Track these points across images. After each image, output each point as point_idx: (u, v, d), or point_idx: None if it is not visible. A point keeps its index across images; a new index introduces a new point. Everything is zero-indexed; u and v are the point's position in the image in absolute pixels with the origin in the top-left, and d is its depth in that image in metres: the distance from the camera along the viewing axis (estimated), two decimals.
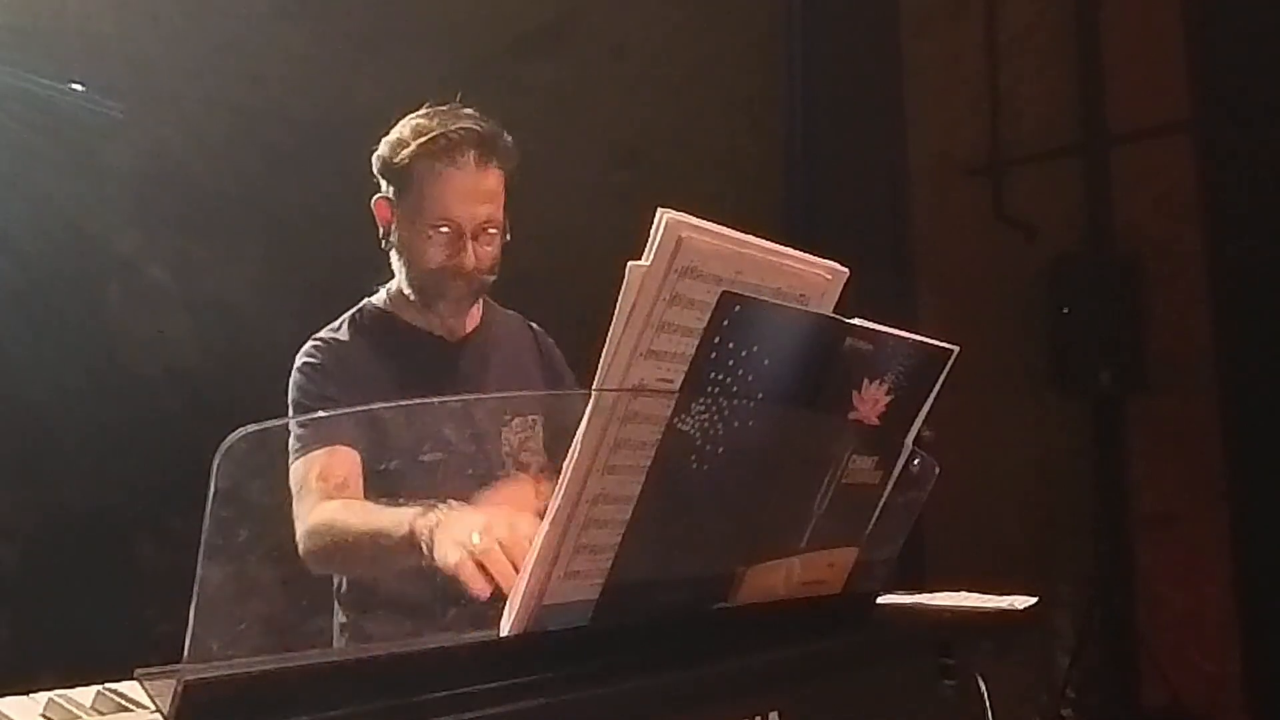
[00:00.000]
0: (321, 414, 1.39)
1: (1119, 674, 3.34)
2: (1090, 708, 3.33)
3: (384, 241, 1.43)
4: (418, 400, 1.44)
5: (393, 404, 1.46)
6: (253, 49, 2.34)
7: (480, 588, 0.93)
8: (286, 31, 2.38)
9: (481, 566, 0.93)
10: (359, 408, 1.37)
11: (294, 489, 1.26)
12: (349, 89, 2.30)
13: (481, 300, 1.50)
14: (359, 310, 1.47)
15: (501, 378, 1.48)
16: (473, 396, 1.46)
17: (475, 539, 0.95)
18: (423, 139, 1.34)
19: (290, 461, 1.29)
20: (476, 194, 1.34)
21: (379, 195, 1.41)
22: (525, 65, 2.87)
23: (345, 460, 1.28)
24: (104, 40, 2.16)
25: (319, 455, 1.27)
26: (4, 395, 2.07)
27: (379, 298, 1.48)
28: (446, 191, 1.33)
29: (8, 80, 2.05)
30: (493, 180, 1.36)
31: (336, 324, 1.45)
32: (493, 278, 1.41)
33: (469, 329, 1.48)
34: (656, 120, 3.25)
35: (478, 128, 1.35)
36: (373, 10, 2.58)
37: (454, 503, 1.06)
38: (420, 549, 1.04)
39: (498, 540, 0.94)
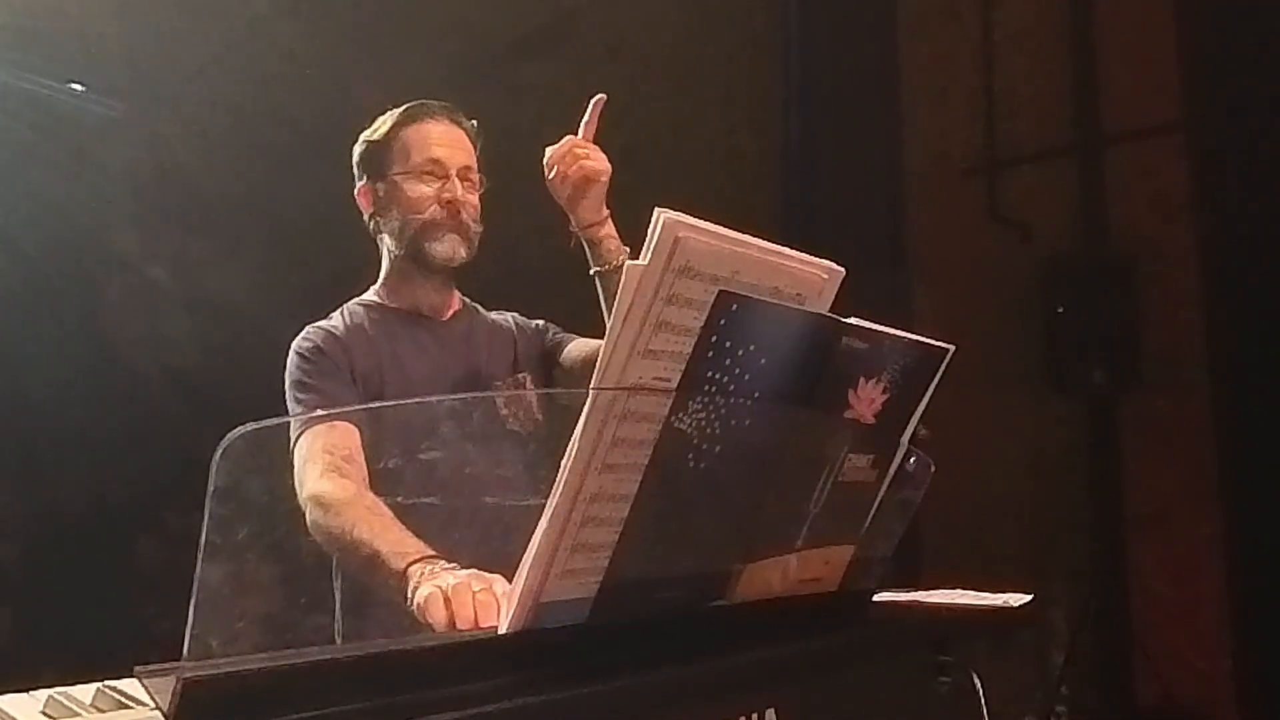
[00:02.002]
0: (319, 408, 1.41)
1: (1113, 670, 3.35)
2: (1084, 704, 3.34)
3: (371, 226, 1.51)
4: (416, 400, 1.47)
5: (391, 403, 1.49)
6: (253, 49, 2.34)
7: (440, 619, 0.95)
8: (286, 31, 2.38)
9: (448, 603, 0.96)
10: (360, 407, 1.41)
11: (298, 462, 1.30)
12: (349, 89, 2.30)
13: (460, 298, 1.57)
14: (344, 310, 1.53)
15: (490, 345, 1.54)
16: (473, 395, 1.50)
17: (450, 580, 0.99)
18: (398, 111, 1.49)
19: (293, 440, 1.32)
20: (454, 140, 1.49)
21: (360, 185, 1.52)
22: (523, 66, 2.87)
23: (347, 434, 1.32)
24: (104, 40, 2.16)
25: (321, 430, 1.32)
26: (4, 394, 2.07)
27: (360, 299, 1.55)
28: (429, 138, 1.47)
29: (8, 80, 2.05)
30: (464, 136, 1.50)
31: (329, 320, 1.50)
32: (479, 229, 1.49)
33: (452, 311, 1.55)
34: (654, 120, 3.25)
35: (443, 103, 1.51)
36: (372, 11, 2.58)
37: (454, 565, 1.09)
38: (406, 591, 1.07)
39: (473, 590, 0.96)
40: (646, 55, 3.26)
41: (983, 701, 0.95)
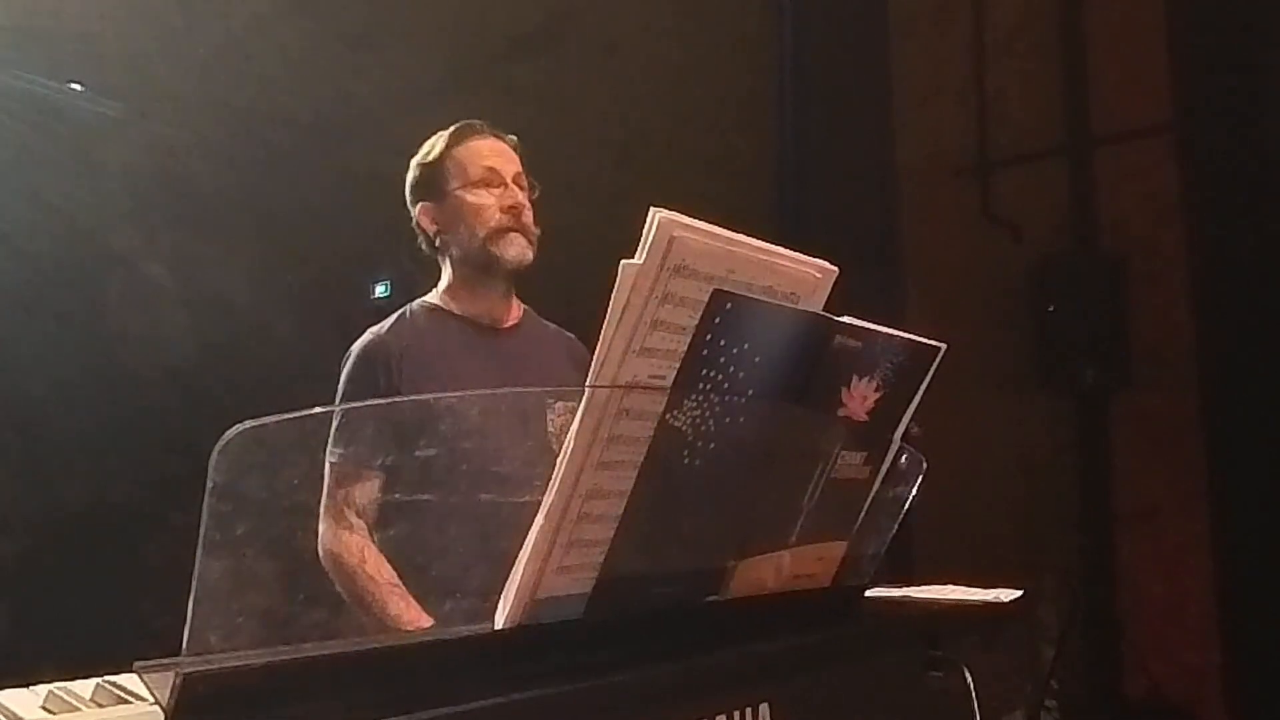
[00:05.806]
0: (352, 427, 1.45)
1: (1102, 664, 3.38)
2: (1073, 698, 3.36)
3: (436, 242, 1.57)
4: (453, 394, 1.49)
5: (423, 396, 1.50)
6: (253, 49, 2.34)
7: None
8: (286, 31, 2.38)
9: None
10: (390, 399, 1.48)
11: (325, 488, 1.38)
12: (348, 89, 2.30)
13: (521, 306, 1.61)
14: (406, 309, 1.58)
15: (545, 364, 1.58)
16: (507, 390, 1.54)
17: None
18: (445, 134, 1.58)
19: (327, 458, 1.39)
20: (502, 151, 1.58)
21: (419, 206, 1.58)
22: (519, 66, 2.87)
23: (367, 490, 1.42)
24: (104, 40, 2.16)
25: (350, 475, 1.40)
26: (3, 391, 2.07)
27: (424, 300, 1.60)
28: (480, 151, 1.56)
29: (7, 80, 2.04)
30: (509, 148, 1.60)
31: (386, 322, 1.55)
32: (538, 231, 1.56)
33: (512, 320, 1.60)
34: (649, 120, 3.25)
35: (483, 122, 1.61)
36: (370, 11, 2.58)
37: None
38: None
39: None
40: (641, 56, 3.26)
41: (974, 695, 0.96)
